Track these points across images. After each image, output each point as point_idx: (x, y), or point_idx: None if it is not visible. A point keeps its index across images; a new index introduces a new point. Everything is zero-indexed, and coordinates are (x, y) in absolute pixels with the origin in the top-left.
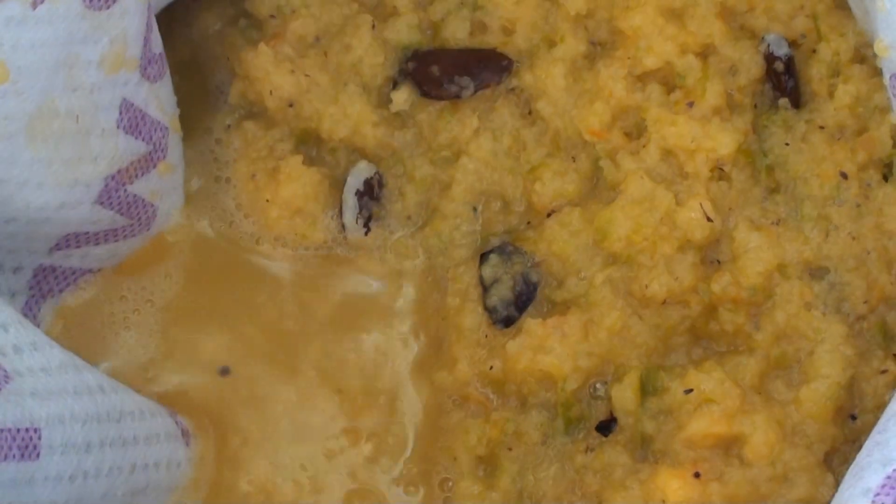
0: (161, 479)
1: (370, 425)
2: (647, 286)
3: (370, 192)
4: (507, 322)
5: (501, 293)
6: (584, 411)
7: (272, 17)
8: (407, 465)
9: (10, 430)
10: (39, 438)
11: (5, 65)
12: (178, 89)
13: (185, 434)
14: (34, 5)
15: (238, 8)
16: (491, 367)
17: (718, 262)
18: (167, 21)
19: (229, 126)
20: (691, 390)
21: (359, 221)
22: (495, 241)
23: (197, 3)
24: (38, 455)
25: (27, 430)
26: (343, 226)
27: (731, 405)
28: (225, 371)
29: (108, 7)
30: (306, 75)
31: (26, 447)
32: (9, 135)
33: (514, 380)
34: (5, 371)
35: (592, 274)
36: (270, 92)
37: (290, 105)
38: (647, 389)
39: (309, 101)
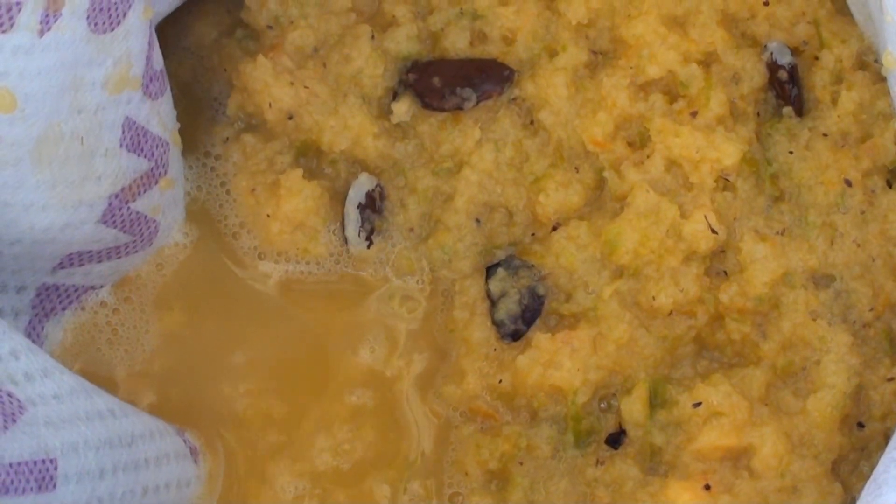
0: (171, 498)
1: (378, 440)
2: (654, 298)
3: (372, 204)
4: (515, 336)
5: (509, 307)
6: (594, 424)
7: (270, 27)
8: (416, 479)
9: (27, 463)
10: (56, 469)
11: (13, 93)
12: (175, 102)
13: (193, 452)
14: (41, 33)
15: (234, 18)
16: (500, 381)
17: (725, 273)
18: (163, 33)
19: (228, 139)
20: (700, 403)
21: (361, 235)
22: (500, 254)
23: (192, 14)
24: (54, 486)
25: (43, 461)
26: (345, 239)
27: (739, 418)
28: (229, 387)
29: (113, 29)
30: (305, 87)
31: (43, 479)
32: (15, 160)
33: (523, 393)
34: (19, 401)
35: (600, 287)
36: (269, 104)
37: (290, 117)
38: (655, 402)
39: (308, 113)
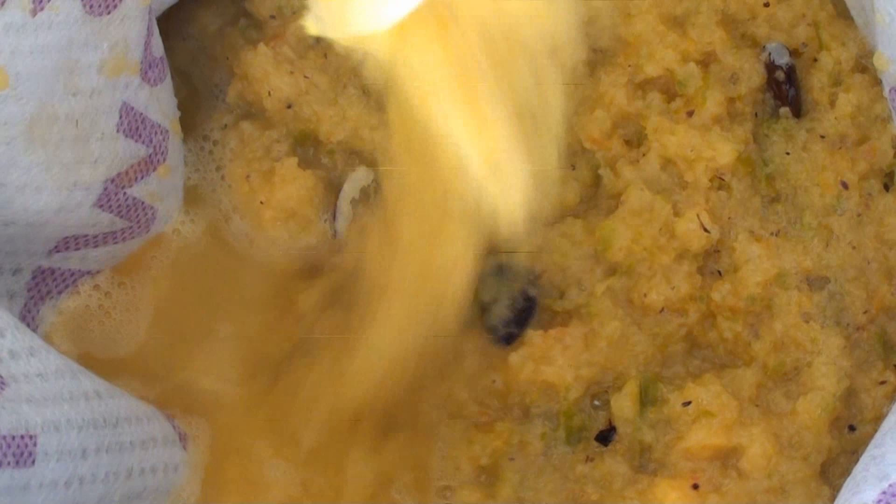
0: (158, 483)
1: (368, 431)
2: (645, 295)
3: (366, 200)
4: (509, 340)
5: (500, 312)
6: (585, 421)
7: (272, 17)
8: (407, 471)
9: (4, 437)
10: (35, 445)
11: (5, 71)
12: (176, 90)
13: (182, 438)
14: (34, 12)
15: (238, 7)
16: (493, 382)
17: (720, 273)
18: (165, 19)
19: (226, 126)
20: (689, 402)
21: (353, 230)
22: (490, 260)
23: (197, 2)
24: (33, 462)
25: (23, 437)
26: (335, 232)
27: (728, 417)
28: (217, 369)
29: (109, 13)
30: (305, 77)
31: (21, 454)
32: (7, 139)
33: (516, 390)
34: (1, 377)
35: (593, 284)
36: (269, 93)
37: (289, 106)
38: (645, 400)
39: (308, 103)
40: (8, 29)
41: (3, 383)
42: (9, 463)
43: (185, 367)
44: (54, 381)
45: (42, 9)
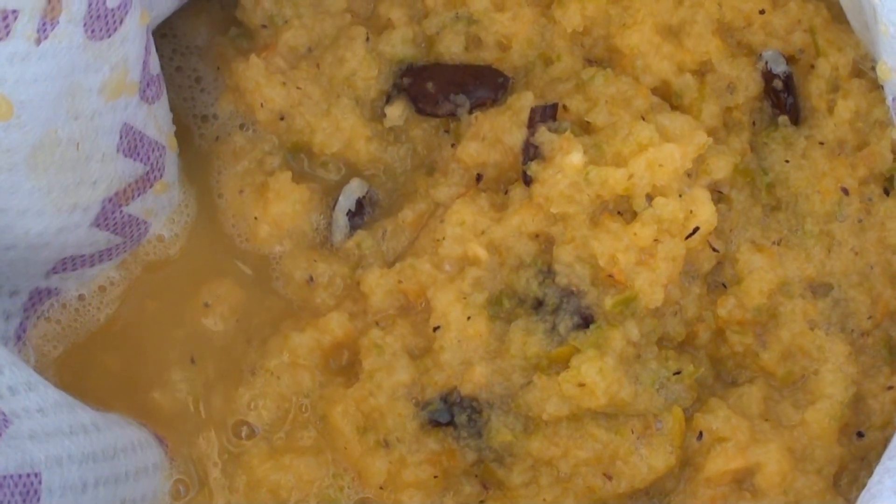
0: None
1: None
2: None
3: (361, 212)
4: None
5: None
6: None
7: (264, 27)
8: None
9: (11, 476)
10: (40, 483)
11: (9, 100)
12: (171, 105)
13: (171, 462)
14: (38, 41)
15: (229, 16)
16: None
17: (724, 285)
18: (156, 29)
19: (218, 138)
20: (701, 434)
21: (350, 242)
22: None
23: (187, 11)
24: (38, 500)
25: (28, 475)
26: (332, 245)
27: (742, 439)
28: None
29: (110, 36)
30: (298, 87)
31: (27, 493)
32: (10, 166)
33: None
34: (4, 415)
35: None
36: (261, 104)
37: (282, 118)
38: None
39: (301, 114)
40: (12, 58)
41: (6, 421)
42: (16, 502)
43: (171, 381)
44: (54, 416)
45: (46, 37)
